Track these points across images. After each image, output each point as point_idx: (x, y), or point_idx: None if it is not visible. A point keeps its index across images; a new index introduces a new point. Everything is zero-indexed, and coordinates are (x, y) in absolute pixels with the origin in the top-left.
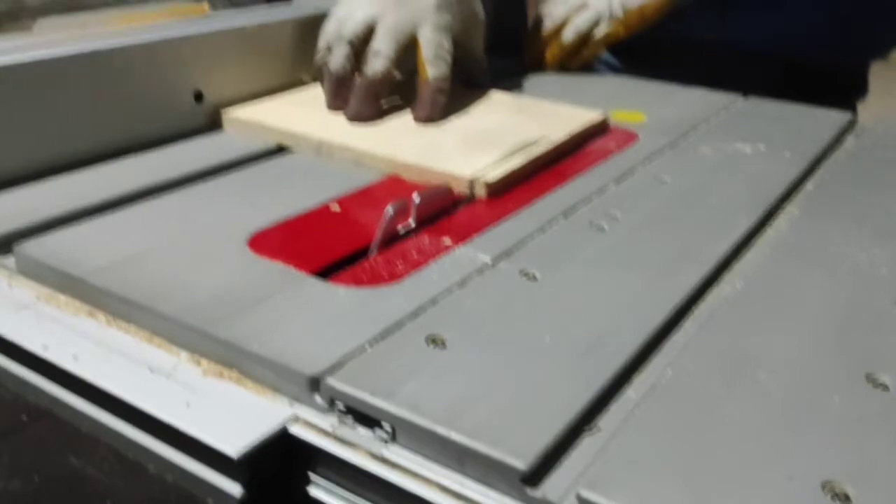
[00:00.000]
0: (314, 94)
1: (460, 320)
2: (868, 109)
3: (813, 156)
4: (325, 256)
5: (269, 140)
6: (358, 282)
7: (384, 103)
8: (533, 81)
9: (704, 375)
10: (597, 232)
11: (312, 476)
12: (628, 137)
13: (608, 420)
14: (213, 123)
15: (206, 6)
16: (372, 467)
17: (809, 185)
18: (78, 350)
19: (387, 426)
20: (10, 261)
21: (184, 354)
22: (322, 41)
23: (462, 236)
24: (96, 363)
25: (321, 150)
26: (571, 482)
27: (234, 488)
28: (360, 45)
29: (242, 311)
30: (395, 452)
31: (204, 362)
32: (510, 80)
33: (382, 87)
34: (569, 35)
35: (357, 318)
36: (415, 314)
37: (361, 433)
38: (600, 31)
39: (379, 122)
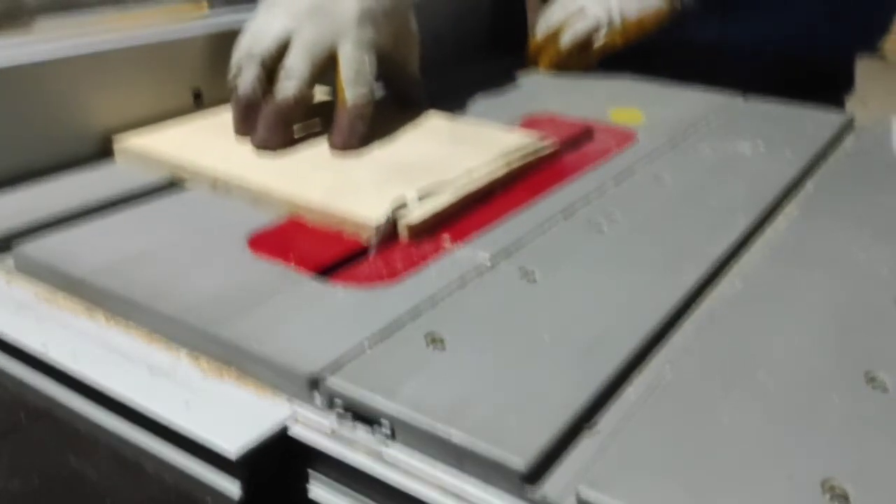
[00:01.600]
0: (223, 120)
1: (460, 320)
2: (868, 109)
3: (812, 156)
4: (325, 256)
5: (161, 173)
6: (357, 281)
7: (300, 129)
8: (531, 81)
9: (704, 375)
10: (596, 232)
11: (312, 475)
12: (627, 137)
13: (608, 419)
14: None
15: (205, 6)
16: (371, 467)
17: (809, 185)
18: (77, 350)
19: (386, 425)
20: (9, 260)
21: (183, 354)
22: (234, 59)
23: (461, 236)
24: (96, 363)
25: (217, 185)
26: (571, 481)
27: (233, 488)
28: (273, 64)
29: (242, 310)
30: (395, 452)
31: (204, 362)
32: (509, 80)
33: (294, 112)
34: (566, 41)
35: (356, 317)
36: (414, 314)
37: (361, 432)
38: (598, 40)
39: (290, 151)
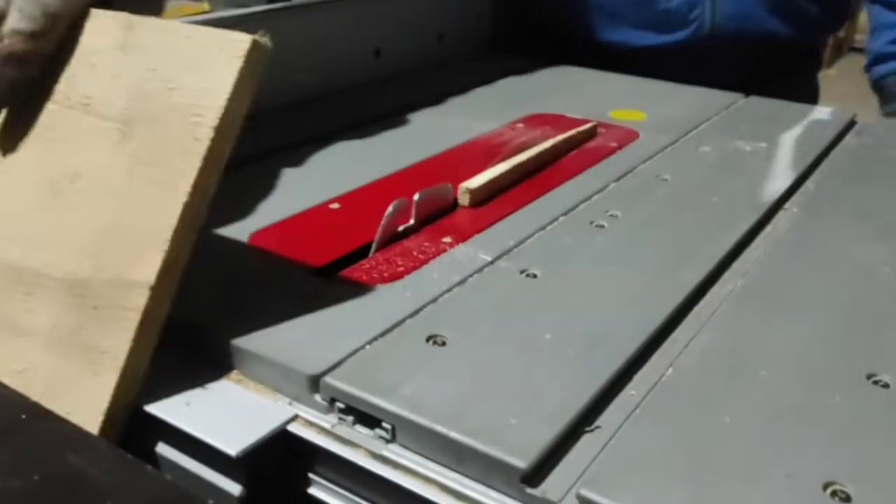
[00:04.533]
0: None
1: (460, 319)
2: (870, 108)
3: (814, 154)
4: (326, 255)
5: None
6: (358, 280)
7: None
8: (532, 81)
9: (705, 374)
10: (597, 230)
11: (312, 475)
12: (629, 136)
13: (608, 419)
14: None
15: (206, 6)
16: (372, 466)
17: (810, 184)
18: None
19: (387, 425)
20: None
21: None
22: None
23: (462, 235)
24: None
25: None
26: (572, 481)
27: (233, 487)
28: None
29: (242, 309)
30: (395, 451)
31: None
32: (509, 80)
33: (28, 55)
34: None
35: (357, 316)
36: (415, 313)
37: (361, 432)
38: None
39: None
